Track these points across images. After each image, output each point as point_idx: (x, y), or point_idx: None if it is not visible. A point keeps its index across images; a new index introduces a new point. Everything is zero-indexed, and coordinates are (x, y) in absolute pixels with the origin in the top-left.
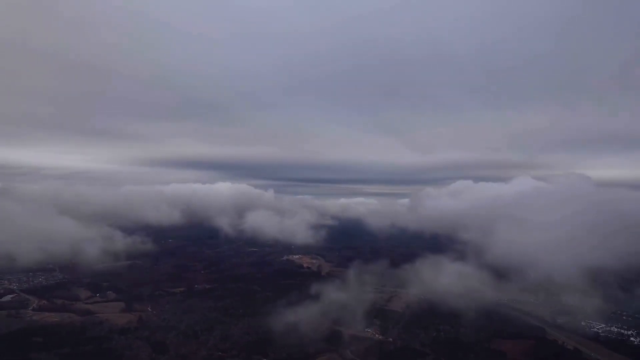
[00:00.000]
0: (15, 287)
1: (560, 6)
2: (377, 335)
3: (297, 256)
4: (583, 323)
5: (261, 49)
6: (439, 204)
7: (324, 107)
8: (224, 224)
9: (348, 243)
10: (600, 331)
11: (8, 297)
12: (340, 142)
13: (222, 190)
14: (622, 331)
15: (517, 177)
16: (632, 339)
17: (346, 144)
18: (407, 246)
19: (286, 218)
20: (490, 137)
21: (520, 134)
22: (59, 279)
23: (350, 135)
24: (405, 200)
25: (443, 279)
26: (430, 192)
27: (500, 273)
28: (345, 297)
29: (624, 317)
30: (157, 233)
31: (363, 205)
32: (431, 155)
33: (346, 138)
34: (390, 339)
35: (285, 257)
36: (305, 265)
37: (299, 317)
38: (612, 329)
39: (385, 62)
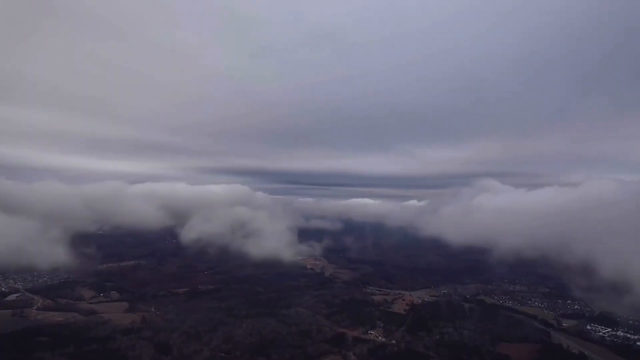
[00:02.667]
0: (19, 286)
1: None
2: (380, 338)
3: (301, 257)
4: (589, 327)
5: (306, 94)
6: (468, 208)
7: (346, 135)
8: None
9: (352, 245)
10: (606, 335)
11: (13, 296)
12: (352, 157)
13: (216, 190)
14: (629, 335)
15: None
16: (638, 343)
17: (358, 159)
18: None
19: (284, 220)
20: (483, 156)
21: (505, 153)
22: (63, 279)
23: (362, 154)
24: (413, 202)
25: None
26: (456, 194)
27: None
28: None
29: (630, 321)
30: (156, 234)
31: (368, 207)
32: (433, 167)
33: (358, 156)
34: (394, 342)
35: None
36: (309, 266)
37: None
38: (618, 333)
39: (394, 105)
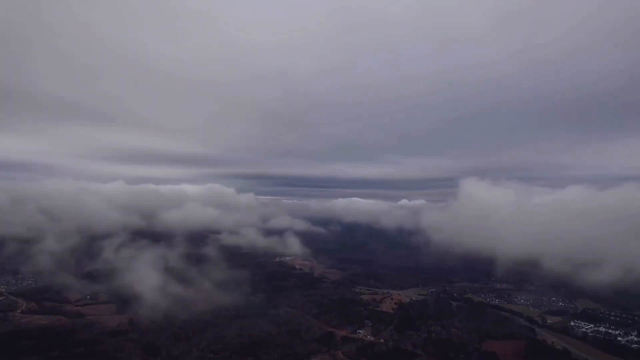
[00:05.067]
0: (3, 290)
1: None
2: (369, 337)
3: (290, 258)
4: (572, 323)
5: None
6: (454, 209)
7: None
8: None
9: (341, 245)
10: (588, 331)
11: None
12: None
13: (189, 191)
14: (610, 331)
15: None
16: (619, 338)
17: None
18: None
19: (273, 219)
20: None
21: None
22: (48, 281)
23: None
24: (403, 201)
25: None
26: (443, 195)
27: None
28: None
29: (612, 317)
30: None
31: (358, 206)
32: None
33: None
34: (382, 340)
35: (277, 259)
36: (297, 266)
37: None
38: (600, 329)
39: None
